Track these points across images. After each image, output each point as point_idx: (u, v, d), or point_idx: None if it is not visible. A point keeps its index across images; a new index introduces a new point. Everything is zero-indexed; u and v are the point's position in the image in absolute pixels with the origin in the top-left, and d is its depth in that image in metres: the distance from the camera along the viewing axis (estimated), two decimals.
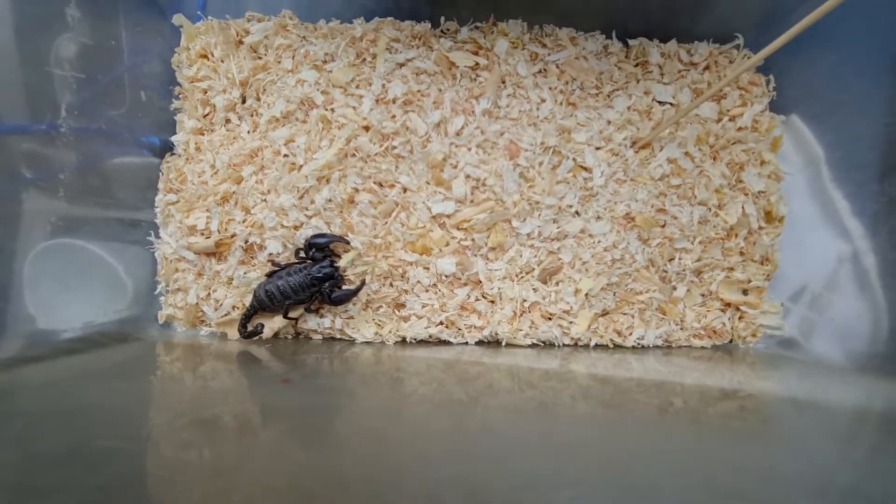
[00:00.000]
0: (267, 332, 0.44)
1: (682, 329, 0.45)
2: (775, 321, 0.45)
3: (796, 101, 0.46)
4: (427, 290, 0.44)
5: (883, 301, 0.39)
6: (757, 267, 0.45)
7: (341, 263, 0.44)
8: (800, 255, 0.45)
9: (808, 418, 0.33)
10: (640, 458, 0.25)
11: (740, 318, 0.46)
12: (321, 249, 0.43)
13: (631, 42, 0.46)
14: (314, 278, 0.42)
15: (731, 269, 0.45)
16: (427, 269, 0.44)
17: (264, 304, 0.43)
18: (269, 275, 0.44)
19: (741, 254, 0.45)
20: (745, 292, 0.45)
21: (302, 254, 0.44)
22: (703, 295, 0.45)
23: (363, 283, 0.44)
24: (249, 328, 0.44)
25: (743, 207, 0.44)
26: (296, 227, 0.44)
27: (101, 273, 0.43)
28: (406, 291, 0.44)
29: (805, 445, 0.28)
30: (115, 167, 0.44)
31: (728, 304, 0.45)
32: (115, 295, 0.43)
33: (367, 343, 0.44)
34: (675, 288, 0.45)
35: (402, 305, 0.44)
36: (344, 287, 0.44)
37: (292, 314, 0.44)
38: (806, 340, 0.44)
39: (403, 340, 0.45)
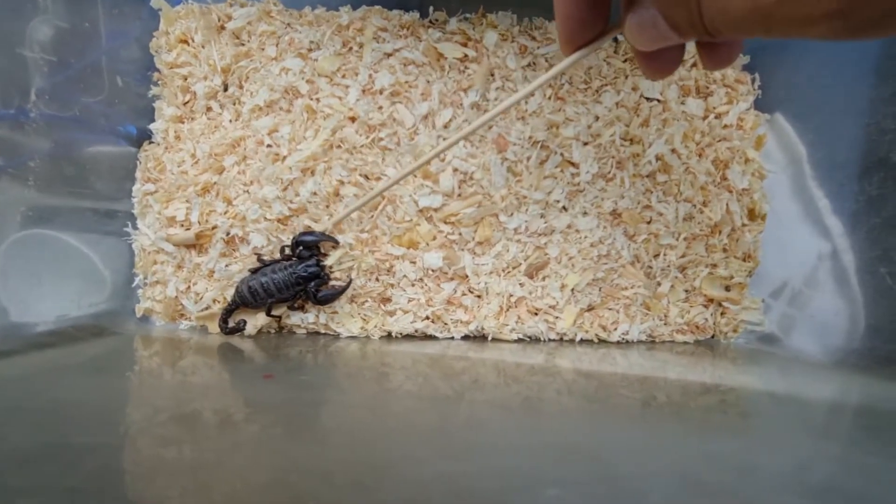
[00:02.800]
0: (250, 329, 0.43)
1: (665, 324, 0.45)
2: (756, 317, 0.46)
3: (780, 99, 0.46)
4: (413, 285, 0.44)
5: (860, 298, 0.40)
6: (739, 264, 0.45)
7: (329, 262, 0.43)
8: (781, 252, 0.46)
9: (786, 412, 0.33)
10: (623, 454, 0.25)
11: (722, 313, 0.46)
12: (308, 248, 0.42)
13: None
14: (299, 277, 0.41)
15: (715, 265, 0.45)
16: (414, 263, 0.43)
17: (247, 300, 0.42)
18: (253, 271, 0.43)
19: (724, 251, 0.45)
20: (727, 288, 0.46)
21: (288, 251, 0.43)
22: (686, 291, 0.45)
23: (350, 281, 0.43)
24: (231, 324, 0.43)
25: (727, 205, 0.45)
26: (279, 220, 0.43)
27: (76, 265, 0.41)
28: (392, 285, 0.44)
29: (784, 440, 0.29)
30: (90, 155, 0.42)
31: (711, 300, 0.46)
32: (90, 287, 0.42)
33: (351, 338, 0.44)
34: (659, 284, 0.45)
35: (388, 300, 0.44)
36: (331, 285, 0.43)
37: (275, 312, 0.43)
38: (785, 336, 0.45)
39: (389, 335, 0.44)
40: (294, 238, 0.42)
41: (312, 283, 0.41)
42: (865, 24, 0.17)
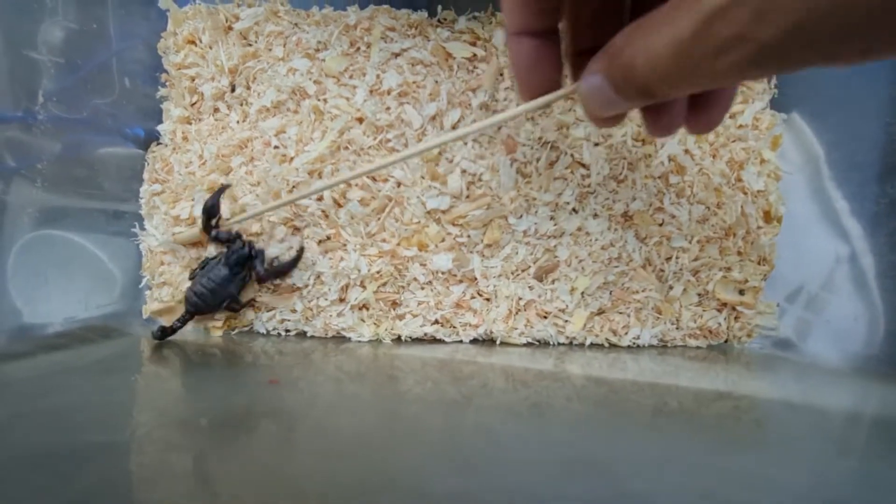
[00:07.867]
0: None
1: (677, 328, 0.44)
2: (771, 321, 0.45)
3: (797, 98, 0.45)
4: (423, 288, 0.43)
5: (880, 303, 0.39)
6: (754, 267, 0.44)
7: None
8: (797, 255, 0.44)
9: (803, 421, 0.33)
10: (636, 468, 0.24)
11: (736, 318, 0.45)
12: (231, 239, 0.40)
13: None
14: (233, 266, 0.40)
15: (729, 268, 0.44)
16: (424, 265, 0.43)
17: (199, 306, 0.41)
18: (192, 276, 0.41)
19: (739, 254, 0.44)
20: (741, 292, 0.45)
21: (214, 233, 0.41)
22: (699, 294, 0.45)
23: (301, 251, 0.41)
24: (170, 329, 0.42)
25: (742, 207, 0.44)
26: (282, 223, 0.43)
27: (85, 266, 0.41)
28: (402, 288, 0.43)
29: (801, 451, 0.28)
30: (98, 156, 0.42)
31: (724, 304, 0.45)
32: (97, 288, 0.42)
33: (360, 342, 0.43)
34: (671, 287, 0.44)
35: (398, 304, 0.44)
36: (275, 259, 0.41)
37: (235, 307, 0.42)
38: (801, 341, 0.43)
39: (398, 339, 0.44)
40: (202, 212, 0.40)
41: (254, 263, 0.40)
42: (770, 52, 0.17)
